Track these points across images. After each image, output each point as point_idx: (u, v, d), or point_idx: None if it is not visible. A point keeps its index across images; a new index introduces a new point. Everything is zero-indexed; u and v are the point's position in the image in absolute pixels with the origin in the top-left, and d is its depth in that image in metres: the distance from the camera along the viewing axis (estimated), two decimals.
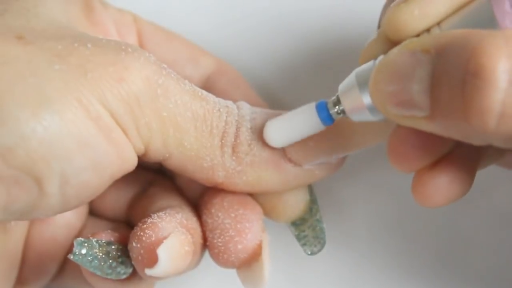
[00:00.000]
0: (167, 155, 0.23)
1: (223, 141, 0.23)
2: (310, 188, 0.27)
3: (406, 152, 0.21)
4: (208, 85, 0.27)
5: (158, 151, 0.23)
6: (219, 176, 0.24)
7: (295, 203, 0.26)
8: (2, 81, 0.19)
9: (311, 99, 0.24)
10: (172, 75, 0.23)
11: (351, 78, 0.22)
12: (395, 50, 0.19)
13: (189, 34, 0.29)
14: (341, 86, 0.22)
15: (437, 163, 0.22)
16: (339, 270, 0.31)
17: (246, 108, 0.24)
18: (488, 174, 0.29)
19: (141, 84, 0.21)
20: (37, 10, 0.23)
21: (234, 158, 0.24)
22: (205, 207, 0.25)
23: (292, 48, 0.32)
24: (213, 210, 0.24)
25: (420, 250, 0.31)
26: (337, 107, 0.23)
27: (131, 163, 0.22)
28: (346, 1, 0.32)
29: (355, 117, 0.22)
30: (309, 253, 0.28)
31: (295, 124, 0.23)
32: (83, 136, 0.20)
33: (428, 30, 0.21)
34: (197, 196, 0.26)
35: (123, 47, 0.22)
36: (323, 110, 0.23)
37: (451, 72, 0.17)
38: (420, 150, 0.21)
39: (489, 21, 0.19)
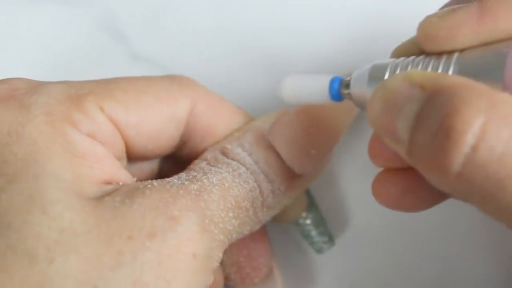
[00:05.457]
0: None
1: (254, 206, 0.24)
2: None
3: (382, 151, 0.22)
4: (192, 123, 0.26)
5: None
6: (255, 230, 0.25)
7: (297, 204, 0.28)
8: None
9: None
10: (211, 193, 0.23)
11: (366, 68, 0.22)
12: (399, 76, 0.19)
13: None
14: (356, 72, 0.23)
15: (405, 170, 0.22)
16: (338, 270, 0.32)
17: (247, 159, 0.24)
18: None
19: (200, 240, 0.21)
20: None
21: (265, 210, 0.24)
22: None
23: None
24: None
25: (420, 250, 0.31)
26: (347, 90, 0.23)
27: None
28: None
29: (357, 106, 0.23)
30: (318, 250, 0.29)
31: (307, 89, 0.24)
32: None
33: (450, 52, 0.21)
34: None
35: (172, 216, 0.21)
36: (334, 86, 0.24)
37: (430, 120, 0.17)
38: (394, 155, 0.22)
39: (499, 72, 0.19)
